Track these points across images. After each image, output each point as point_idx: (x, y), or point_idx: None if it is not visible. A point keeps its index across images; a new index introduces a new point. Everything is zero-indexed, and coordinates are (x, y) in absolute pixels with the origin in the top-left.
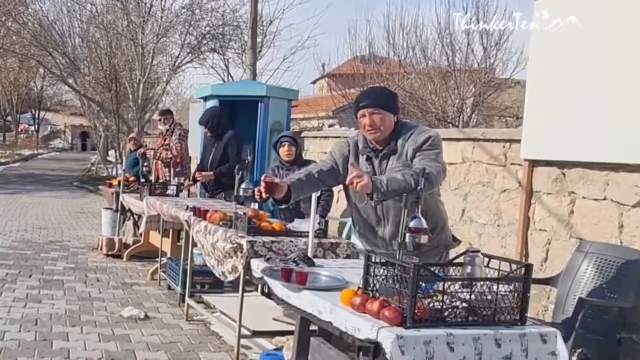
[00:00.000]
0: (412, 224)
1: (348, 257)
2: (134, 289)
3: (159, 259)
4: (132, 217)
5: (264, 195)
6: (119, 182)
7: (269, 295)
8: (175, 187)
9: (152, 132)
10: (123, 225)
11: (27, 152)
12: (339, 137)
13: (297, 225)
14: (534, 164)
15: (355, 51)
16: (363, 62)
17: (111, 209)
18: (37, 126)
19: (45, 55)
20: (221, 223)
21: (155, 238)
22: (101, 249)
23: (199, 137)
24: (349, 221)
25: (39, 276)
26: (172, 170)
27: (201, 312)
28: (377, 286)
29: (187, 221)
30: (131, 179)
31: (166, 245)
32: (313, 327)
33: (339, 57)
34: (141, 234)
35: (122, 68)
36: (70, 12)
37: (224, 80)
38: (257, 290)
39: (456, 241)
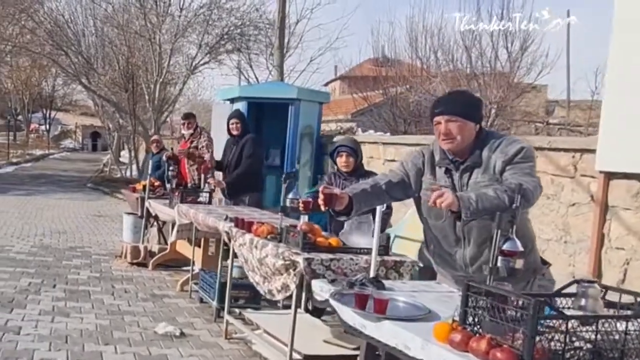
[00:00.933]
0: (505, 246)
1: (412, 276)
2: (164, 302)
3: (188, 269)
4: (156, 223)
5: (322, 207)
6: (144, 186)
7: (314, 312)
8: (207, 194)
9: (164, 133)
10: (147, 232)
11: (38, 152)
12: (375, 143)
13: (355, 240)
14: (610, 176)
15: (378, 52)
16: (377, 65)
17: (133, 213)
18: (47, 126)
19: (60, 54)
20: (269, 236)
21: (183, 246)
22: (125, 257)
23: (223, 139)
24: (392, 232)
25: (63, 286)
26: (203, 175)
27: (240, 329)
28: (477, 320)
29: (227, 232)
30: (156, 184)
31: (197, 254)
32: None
33: (360, 58)
34: (171, 243)
35: (138, 68)
36: (85, 11)
37: (248, 81)
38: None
39: (545, 264)
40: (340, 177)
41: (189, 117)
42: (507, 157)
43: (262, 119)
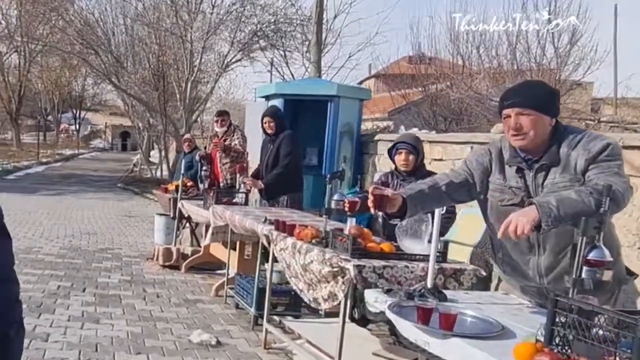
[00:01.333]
0: (591, 255)
1: (472, 286)
2: (198, 307)
3: (222, 273)
4: (189, 225)
5: (372, 210)
6: (176, 186)
7: (359, 321)
8: (243, 195)
9: (194, 132)
10: (179, 233)
11: (67, 152)
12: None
13: (409, 245)
14: None
15: (416, 48)
16: (414, 62)
17: (165, 214)
18: (77, 125)
19: (90, 53)
20: (313, 241)
21: (217, 249)
22: (156, 259)
23: (257, 138)
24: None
25: (93, 290)
26: (238, 175)
27: (280, 338)
28: (565, 340)
29: (266, 236)
30: (189, 184)
31: (232, 258)
32: None
33: (398, 54)
34: (205, 246)
35: (169, 66)
36: (115, 9)
37: (283, 78)
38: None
39: (632, 275)
40: (398, 177)
41: (222, 114)
42: (590, 155)
43: (299, 117)
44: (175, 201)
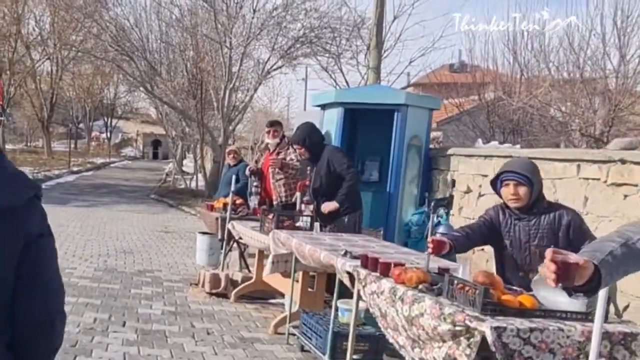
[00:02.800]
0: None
1: None
2: (256, 348)
3: (276, 302)
4: (237, 247)
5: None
6: (224, 204)
7: None
8: (308, 219)
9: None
10: (227, 256)
11: (99, 160)
12: (504, 157)
13: (550, 296)
14: None
15: (470, 55)
16: (454, 70)
17: (208, 233)
18: (109, 134)
19: (124, 60)
20: (421, 287)
21: (273, 277)
22: (202, 285)
23: None
24: None
25: (134, 324)
26: (299, 194)
27: None
28: None
29: (350, 274)
30: (238, 202)
31: (294, 290)
32: None
33: (440, 61)
34: (257, 271)
35: (207, 73)
36: (149, 15)
37: (336, 85)
38: None
39: None
40: (512, 216)
41: (275, 124)
42: None
43: (358, 127)
44: (223, 221)
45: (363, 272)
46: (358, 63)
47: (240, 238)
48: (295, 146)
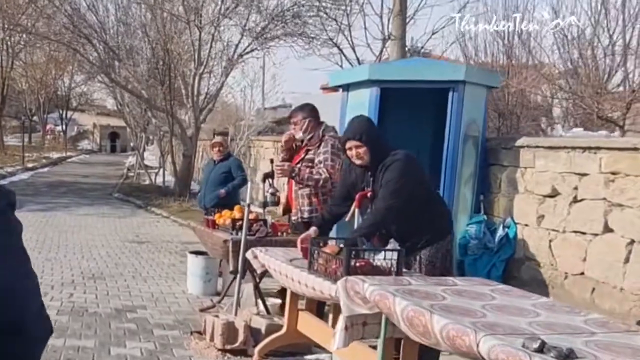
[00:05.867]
0: None
1: None
2: None
3: None
4: (251, 277)
5: None
6: (233, 220)
7: None
8: (394, 258)
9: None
10: (240, 291)
11: (55, 155)
12: (616, 149)
13: None
14: None
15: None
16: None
17: (202, 252)
18: (64, 126)
19: (82, 44)
20: None
21: (308, 324)
22: (211, 338)
23: None
24: None
25: None
26: (357, 210)
27: None
28: None
29: None
30: (251, 217)
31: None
32: None
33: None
34: (291, 319)
35: (173, 58)
36: None
37: (341, 66)
38: None
39: None
40: None
41: (302, 109)
42: None
43: (393, 112)
44: (236, 245)
45: None
46: (366, 35)
47: (265, 272)
48: (349, 143)
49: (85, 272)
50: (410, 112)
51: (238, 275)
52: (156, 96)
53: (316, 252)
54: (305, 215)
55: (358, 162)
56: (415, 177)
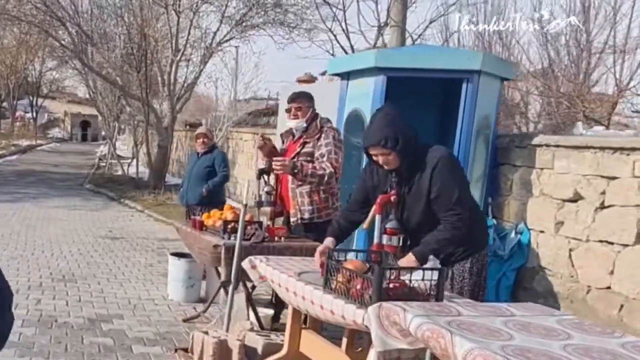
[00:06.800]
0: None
1: None
2: None
3: None
4: (242, 287)
5: None
6: (225, 222)
7: None
8: (434, 277)
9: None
10: (231, 306)
11: (24, 143)
12: (635, 149)
13: None
14: None
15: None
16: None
17: (184, 255)
18: (34, 114)
19: (54, 26)
20: None
21: (311, 343)
22: (200, 357)
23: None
24: None
25: None
26: (380, 216)
27: None
28: None
29: None
30: (247, 218)
31: None
32: None
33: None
34: (292, 336)
35: (149, 44)
36: None
37: (332, 55)
38: None
39: None
40: None
41: (299, 96)
42: None
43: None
44: (229, 251)
45: None
46: (360, 23)
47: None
48: (373, 150)
49: (54, 273)
50: (413, 104)
51: (231, 287)
52: (131, 83)
53: (333, 267)
54: (306, 215)
55: (387, 167)
56: (465, 178)
